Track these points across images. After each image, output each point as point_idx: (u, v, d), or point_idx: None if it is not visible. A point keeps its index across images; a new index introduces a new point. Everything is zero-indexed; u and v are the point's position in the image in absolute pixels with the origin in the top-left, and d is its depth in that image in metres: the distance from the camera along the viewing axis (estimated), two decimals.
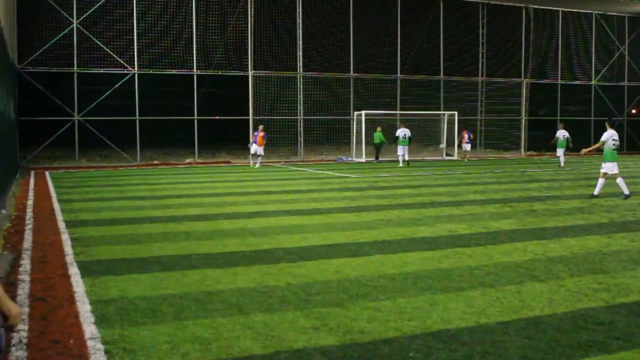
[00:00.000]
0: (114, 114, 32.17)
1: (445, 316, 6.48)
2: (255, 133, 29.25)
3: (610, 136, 17.12)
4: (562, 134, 30.10)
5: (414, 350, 5.54)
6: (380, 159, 35.02)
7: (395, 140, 32.10)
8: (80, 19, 31.49)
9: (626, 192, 16.73)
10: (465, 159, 35.74)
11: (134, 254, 9.62)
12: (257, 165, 29.19)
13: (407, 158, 31.41)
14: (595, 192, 17.00)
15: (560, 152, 29.96)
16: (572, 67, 43.80)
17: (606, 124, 17.70)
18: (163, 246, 10.27)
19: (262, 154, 29.73)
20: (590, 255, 9.51)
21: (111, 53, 32.00)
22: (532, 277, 8.11)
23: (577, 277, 8.14)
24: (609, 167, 17.02)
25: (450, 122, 37.58)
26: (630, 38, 45.27)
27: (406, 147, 31.30)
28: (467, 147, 35.66)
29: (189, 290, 7.52)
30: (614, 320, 6.32)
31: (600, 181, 17.12)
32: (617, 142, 17.27)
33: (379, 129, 35.30)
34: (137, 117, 32.61)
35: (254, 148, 29.74)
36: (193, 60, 33.61)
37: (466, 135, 35.52)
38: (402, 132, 31.38)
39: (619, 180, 16.99)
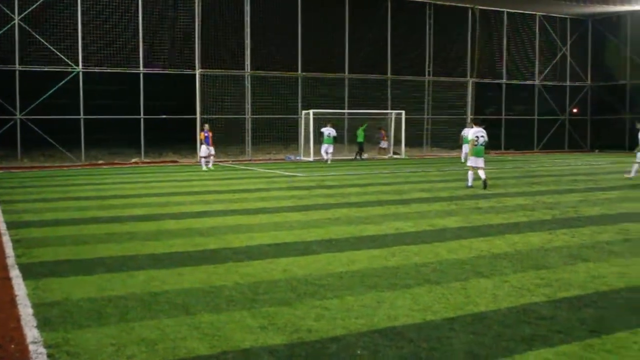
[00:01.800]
0: (57, 113, 31.50)
1: (392, 313, 6.53)
2: (205, 133, 28.60)
3: (475, 133, 18.93)
4: (468, 132, 30.42)
5: (361, 347, 5.57)
6: (362, 157, 35.78)
7: (319, 136, 33.05)
8: (22, 15, 30.75)
9: (469, 184, 19.01)
10: (386, 157, 36.62)
11: (78, 256, 9.44)
12: (210, 166, 28.65)
13: (330, 157, 32.32)
14: (469, 184, 18.96)
15: (465, 148, 29.95)
16: (516, 67, 44.59)
17: (472, 123, 19.31)
18: (108, 247, 10.11)
19: (214, 153, 29.10)
20: (533, 251, 9.69)
21: (55, 51, 31.32)
22: (477, 274, 8.23)
23: (521, 273, 8.30)
24: (474, 162, 19.00)
25: (398, 121, 37.88)
26: (572, 39, 46.32)
27: (331, 146, 32.31)
28: (384, 144, 36.36)
29: (134, 291, 7.42)
30: (555, 315, 6.46)
31: (470, 174, 19.14)
32: (484, 138, 18.93)
33: (362, 127, 35.73)
34: (82, 116, 32.03)
35: (204, 150, 28.91)
36: (139, 58, 33.15)
37: (384, 133, 36.20)
38: (327, 131, 32.23)
39: (481, 172, 18.83)
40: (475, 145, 18.92)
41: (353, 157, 35.86)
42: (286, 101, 36.64)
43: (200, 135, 29.06)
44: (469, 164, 19.46)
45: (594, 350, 5.49)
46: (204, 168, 28.36)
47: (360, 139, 35.53)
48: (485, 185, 18.60)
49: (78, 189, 19.89)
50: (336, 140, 32.76)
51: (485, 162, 19.99)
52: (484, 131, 19.24)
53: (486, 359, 5.34)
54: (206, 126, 28.93)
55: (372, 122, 37.83)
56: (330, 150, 32.53)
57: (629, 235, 11.05)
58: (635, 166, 22.13)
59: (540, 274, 8.23)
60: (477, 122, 20.00)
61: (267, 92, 35.96)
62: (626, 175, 22.30)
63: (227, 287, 7.57)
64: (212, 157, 28.83)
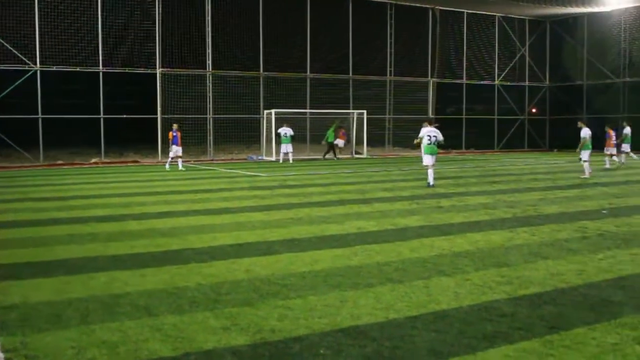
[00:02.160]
0: (14, 113, 30.94)
1: (355, 312, 6.56)
2: (174, 133, 28.12)
3: (426, 132, 19.55)
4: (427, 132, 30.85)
5: (324, 347, 5.59)
6: (337, 156, 35.87)
7: (277, 138, 33.01)
8: None
9: (431, 182, 19.45)
10: (348, 156, 36.98)
11: (37, 258, 9.30)
12: (180, 167, 28.23)
13: (290, 157, 32.35)
14: (431, 183, 19.47)
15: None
16: (476, 67, 45.06)
17: (426, 123, 20.32)
18: (68, 249, 9.97)
19: (180, 153, 28.60)
20: (495, 249, 9.81)
21: (11, 49, 30.73)
22: (439, 272, 8.30)
23: (482, 270, 8.39)
24: (427, 159, 19.61)
25: (360, 121, 38.01)
26: (531, 40, 46.97)
27: (289, 145, 32.40)
28: (341, 143, 36.78)
29: (95, 293, 7.34)
30: (516, 312, 6.55)
31: (429, 171, 19.70)
32: (435, 138, 19.48)
33: (332, 127, 35.81)
34: (40, 115, 31.50)
35: (174, 150, 28.33)
36: (99, 57, 32.72)
37: (341, 133, 36.57)
38: (284, 130, 32.38)
39: (430, 171, 19.57)
40: (428, 144, 19.41)
41: (322, 157, 35.92)
42: (248, 101, 36.49)
43: (169, 135, 28.63)
44: (423, 162, 19.99)
45: (553, 346, 5.58)
46: (167, 167, 28.11)
47: (330, 139, 35.63)
48: (431, 186, 19.29)
49: (37, 189, 19.59)
50: (294, 139, 32.70)
51: (437, 161, 20.58)
52: (437, 131, 19.72)
53: (448, 356, 5.39)
54: (175, 126, 28.46)
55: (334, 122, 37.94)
56: (290, 149, 32.53)
57: (586, 233, 11.25)
58: (586, 165, 22.66)
59: (501, 271, 8.34)
60: (430, 122, 20.61)
61: (228, 92, 35.76)
62: (582, 177, 22.72)
63: (190, 288, 7.53)
64: (180, 158, 28.37)
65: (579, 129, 23.19)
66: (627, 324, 6.19)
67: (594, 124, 26.79)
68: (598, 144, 26.56)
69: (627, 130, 29.52)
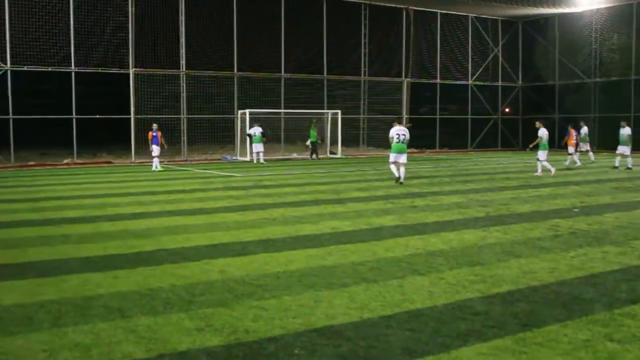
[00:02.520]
0: None
1: (330, 312, 6.56)
2: (153, 133, 27.77)
3: (395, 131, 20.06)
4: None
5: (299, 347, 5.59)
6: (315, 156, 35.90)
7: (249, 138, 32.94)
8: None
9: (400, 177, 19.97)
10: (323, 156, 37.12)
11: (9, 260, 9.19)
12: (154, 167, 27.98)
13: (262, 157, 32.23)
14: (396, 175, 20.11)
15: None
16: (450, 67, 45.30)
17: (395, 122, 20.94)
18: (40, 251, 9.87)
19: (158, 154, 28.29)
20: (468, 248, 9.88)
21: None
22: (413, 271, 8.34)
23: (456, 269, 8.45)
24: (394, 157, 20.02)
25: (334, 121, 38.04)
26: (504, 41, 47.33)
27: (260, 145, 32.23)
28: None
29: (67, 295, 7.27)
30: (489, 310, 6.61)
31: (392, 167, 20.34)
32: (404, 137, 20.05)
33: (311, 126, 35.85)
34: (11, 115, 31.09)
35: (155, 149, 27.97)
36: (71, 56, 32.37)
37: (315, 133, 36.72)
38: (254, 130, 32.31)
39: (402, 169, 20.03)
40: (397, 142, 19.86)
41: (310, 157, 35.95)
42: (222, 101, 36.34)
43: (149, 135, 28.29)
44: (390, 160, 20.42)
45: (526, 344, 5.63)
46: (154, 168, 27.88)
47: (313, 139, 35.67)
48: (400, 183, 19.87)
49: (8, 190, 19.36)
50: (264, 136, 32.50)
51: (409, 160, 20.97)
52: (406, 129, 20.51)
53: (423, 355, 5.41)
54: (155, 126, 28.13)
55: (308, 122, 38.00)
56: (261, 149, 32.34)
57: (558, 232, 11.37)
58: (547, 164, 23.29)
59: (474, 270, 8.39)
60: (399, 122, 21.24)
61: (202, 92, 35.59)
62: (534, 174, 23.39)
63: (164, 289, 7.48)
64: (154, 158, 28.03)
65: (537, 129, 24.03)
66: (598, 320, 6.27)
67: (564, 123, 27.53)
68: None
69: (585, 129, 30.19)
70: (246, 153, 34.39)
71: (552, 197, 16.79)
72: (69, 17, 32.07)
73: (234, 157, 35.52)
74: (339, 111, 37.90)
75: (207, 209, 14.67)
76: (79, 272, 8.38)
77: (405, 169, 20.32)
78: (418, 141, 42.99)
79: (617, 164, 26.67)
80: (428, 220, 12.76)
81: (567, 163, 28.40)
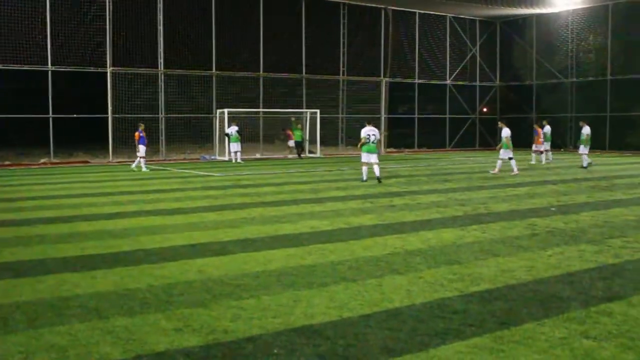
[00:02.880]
0: None
1: (309, 311, 6.56)
2: (140, 133, 27.37)
3: (367, 132, 20.43)
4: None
5: (278, 346, 5.57)
6: (301, 154, 36.20)
7: (227, 137, 32.99)
8: None
9: (364, 178, 20.50)
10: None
11: None
12: (134, 166, 27.62)
13: (239, 156, 32.30)
14: (365, 178, 20.53)
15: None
16: (428, 67, 45.48)
17: (365, 123, 21.28)
18: (15, 251, 9.76)
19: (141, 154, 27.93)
20: (446, 247, 9.92)
21: None
22: (392, 270, 8.35)
23: (434, 268, 8.48)
24: (366, 157, 20.40)
25: (313, 120, 38.04)
26: (482, 41, 47.63)
27: (238, 144, 32.31)
28: (291, 143, 37.10)
29: (44, 296, 7.19)
30: (467, 309, 6.63)
31: (364, 169, 20.66)
32: (375, 137, 20.47)
33: (299, 126, 36.13)
34: None
35: (142, 150, 27.54)
36: (48, 55, 32.05)
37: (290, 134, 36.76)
38: (231, 129, 32.31)
39: (375, 168, 20.29)
40: (366, 143, 20.28)
41: (298, 156, 36.25)
42: (200, 100, 36.21)
43: (135, 136, 27.85)
44: (362, 160, 20.68)
45: (504, 342, 5.66)
46: (134, 166, 27.63)
47: (298, 138, 35.72)
48: (379, 181, 20.11)
49: None
50: (240, 134, 32.45)
51: (379, 158, 21.16)
52: (376, 130, 21.05)
53: (401, 353, 5.42)
54: (141, 126, 27.78)
55: (285, 121, 38.03)
56: (238, 148, 32.35)
57: (536, 230, 11.45)
58: (513, 162, 24.01)
59: (452, 269, 8.43)
60: (369, 122, 21.44)
61: (180, 91, 35.45)
62: (491, 172, 23.79)
63: (141, 290, 7.43)
64: (140, 159, 27.60)
65: (500, 129, 24.57)
66: (575, 318, 6.32)
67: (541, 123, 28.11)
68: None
69: (547, 129, 30.53)
70: (225, 152, 34.30)
71: (530, 196, 16.91)
72: (45, 16, 31.75)
73: (212, 157, 35.41)
74: (318, 110, 37.93)
75: (185, 208, 14.61)
76: (56, 273, 8.30)
77: (379, 166, 20.59)
78: (396, 141, 43.25)
79: (584, 164, 26.87)
80: (406, 220, 12.79)
81: (533, 162, 28.86)
